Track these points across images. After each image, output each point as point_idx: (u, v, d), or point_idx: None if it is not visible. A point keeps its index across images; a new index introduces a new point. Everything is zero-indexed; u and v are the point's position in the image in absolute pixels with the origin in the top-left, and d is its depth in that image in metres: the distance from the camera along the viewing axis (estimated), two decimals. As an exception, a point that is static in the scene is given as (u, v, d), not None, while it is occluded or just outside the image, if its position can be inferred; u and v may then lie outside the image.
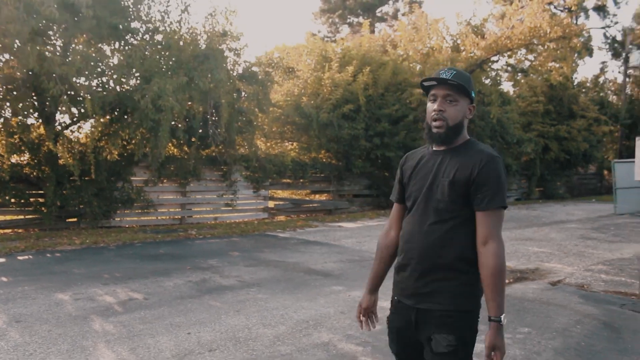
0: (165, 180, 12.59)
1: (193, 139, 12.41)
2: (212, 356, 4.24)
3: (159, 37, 10.44)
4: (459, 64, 15.70)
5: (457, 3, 46.26)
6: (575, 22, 25.78)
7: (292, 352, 4.34)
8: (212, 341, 4.57)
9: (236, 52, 12.19)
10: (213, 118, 12.00)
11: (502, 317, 2.11)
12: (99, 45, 10.23)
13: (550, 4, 14.51)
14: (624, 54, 31.34)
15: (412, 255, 2.29)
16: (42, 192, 10.89)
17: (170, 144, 11.71)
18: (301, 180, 15.90)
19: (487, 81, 18.37)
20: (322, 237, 11.20)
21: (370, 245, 10.15)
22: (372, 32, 33.23)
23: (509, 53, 15.52)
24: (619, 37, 33.68)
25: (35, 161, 10.89)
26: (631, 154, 27.58)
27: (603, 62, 44.16)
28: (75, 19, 9.34)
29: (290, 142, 17.21)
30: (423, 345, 2.28)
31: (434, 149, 2.38)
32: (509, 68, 20.19)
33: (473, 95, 2.33)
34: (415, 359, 2.34)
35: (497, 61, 17.28)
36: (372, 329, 2.56)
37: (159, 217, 12.86)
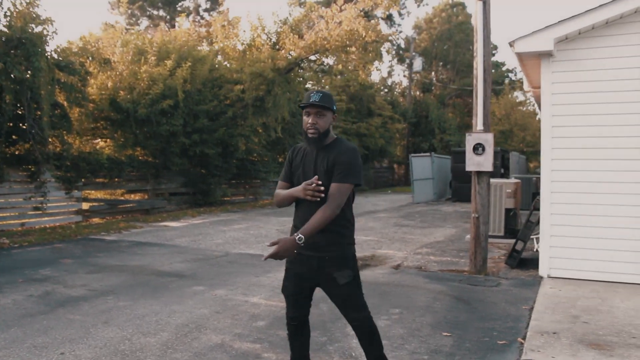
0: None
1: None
2: (104, 373, 3.85)
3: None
4: (279, 62, 16.06)
5: (264, 2, 46.85)
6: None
7: (191, 358, 4.14)
8: (94, 359, 4.13)
9: (45, 38, 10.92)
10: (19, 112, 10.63)
11: (301, 237, 2.87)
12: None
13: (363, 10, 15.60)
14: (407, 60, 34.97)
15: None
16: None
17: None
18: (117, 180, 14.93)
19: (300, 80, 19.09)
20: (154, 238, 10.69)
21: (208, 244, 9.98)
22: (173, 26, 32.27)
23: (326, 53, 16.35)
24: (403, 45, 37.44)
25: None
26: (417, 149, 31.08)
27: (390, 66, 48.64)
28: None
29: (103, 139, 15.97)
30: (314, 287, 3.21)
31: (312, 148, 3.16)
32: (327, 68, 21.19)
33: (335, 108, 3.19)
34: (306, 297, 3.25)
35: (315, 61, 18.07)
36: None
37: (-49, 227, 11.04)
